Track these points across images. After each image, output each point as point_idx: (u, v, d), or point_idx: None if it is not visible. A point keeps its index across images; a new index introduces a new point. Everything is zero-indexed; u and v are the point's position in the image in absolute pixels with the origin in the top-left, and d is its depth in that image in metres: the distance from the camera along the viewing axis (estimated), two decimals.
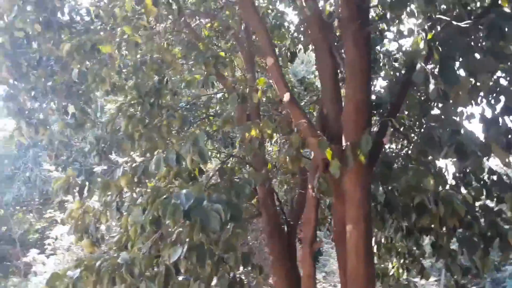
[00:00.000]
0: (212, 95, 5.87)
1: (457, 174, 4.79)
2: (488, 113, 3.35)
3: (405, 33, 3.95)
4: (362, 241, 3.68)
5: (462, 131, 2.81)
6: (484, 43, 2.70)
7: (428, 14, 3.04)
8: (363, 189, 3.78)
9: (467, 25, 2.66)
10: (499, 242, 4.54)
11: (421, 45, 2.74)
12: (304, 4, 4.40)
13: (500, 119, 3.01)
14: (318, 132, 4.03)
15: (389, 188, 4.89)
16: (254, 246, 5.41)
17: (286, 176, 5.43)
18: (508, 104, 2.77)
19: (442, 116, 3.57)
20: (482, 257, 4.72)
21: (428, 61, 3.24)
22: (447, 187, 4.36)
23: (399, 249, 5.73)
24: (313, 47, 4.79)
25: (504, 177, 4.74)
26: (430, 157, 4.49)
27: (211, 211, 2.76)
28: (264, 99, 4.76)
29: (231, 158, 5.34)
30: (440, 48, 2.65)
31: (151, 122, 4.49)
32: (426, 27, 2.77)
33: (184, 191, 2.80)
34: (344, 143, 3.77)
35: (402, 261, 5.90)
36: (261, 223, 4.85)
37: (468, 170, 4.64)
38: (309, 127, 4.01)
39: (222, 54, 4.83)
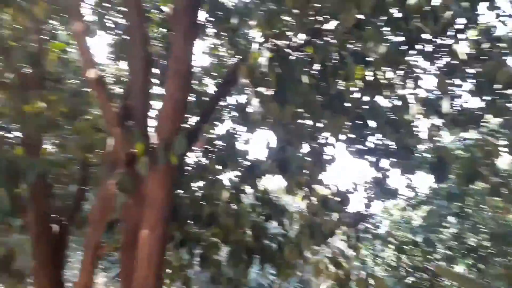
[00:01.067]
0: None
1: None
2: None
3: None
4: (157, 248, 3.41)
5: None
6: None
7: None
8: (167, 191, 3.56)
9: (299, 54, 2.93)
10: (260, 255, 5.11)
11: (261, 60, 2.83)
12: None
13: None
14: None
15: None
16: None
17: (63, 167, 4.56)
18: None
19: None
20: (245, 268, 5.18)
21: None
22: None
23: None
24: (127, 32, 4.31)
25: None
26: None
27: None
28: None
29: None
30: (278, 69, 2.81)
31: None
32: (268, 45, 2.89)
33: None
34: (156, 141, 3.49)
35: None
36: (27, 220, 3.85)
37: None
38: (115, 115, 3.54)
39: None
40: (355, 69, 2.57)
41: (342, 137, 4.40)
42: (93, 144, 3.66)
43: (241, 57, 4.36)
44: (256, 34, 5.64)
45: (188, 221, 5.38)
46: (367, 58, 2.57)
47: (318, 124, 4.94)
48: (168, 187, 3.58)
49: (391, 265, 9.41)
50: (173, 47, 3.51)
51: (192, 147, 4.05)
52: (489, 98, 2.76)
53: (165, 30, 5.43)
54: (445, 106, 2.66)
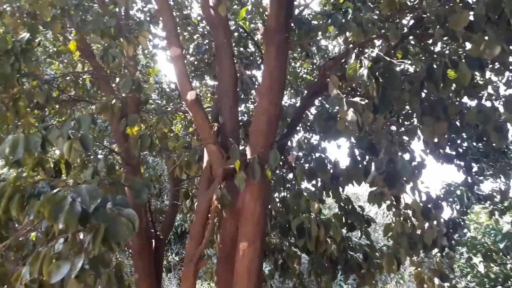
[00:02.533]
0: (81, 74, 4.87)
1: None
2: None
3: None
4: (256, 261, 3.47)
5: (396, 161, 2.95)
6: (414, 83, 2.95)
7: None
8: (263, 205, 3.62)
9: (401, 62, 2.85)
10: (344, 266, 5.01)
11: (361, 71, 2.79)
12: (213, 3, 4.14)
13: None
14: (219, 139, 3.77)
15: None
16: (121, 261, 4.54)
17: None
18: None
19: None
20: (330, 280, 5.10)
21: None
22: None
23: None
24: (215, 52, 4.50)
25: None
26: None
27: (120, 217, 2.13)
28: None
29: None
30: (380, 79, 2.75)
31: (7, 91, 3.38)
32: (366, 55, 2.85)
33: (84, 186, 2.07)
34: (249, 155, 3.57)
35: None
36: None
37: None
38: (211, 133, 3.69)
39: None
40: (469, 74, 2.45)
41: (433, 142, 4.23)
42: (189, 161, 3.81)
43: (323, 67, 4.35)
44: (338, 43, 5.64)
45: (271, 233, 5.45)
46: (482, 63, 2.44)
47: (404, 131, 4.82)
48: (264, 200, 3.65)
49: (478, 275, 8.79)
50: (266, 64, 3.58)
51: (284, 160, 4.10)
52: None
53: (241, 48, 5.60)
54: None
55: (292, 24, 4.31)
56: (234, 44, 6.05)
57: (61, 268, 1.98)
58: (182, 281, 3.65)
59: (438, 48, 4.58)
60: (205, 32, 6.22)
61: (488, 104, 4.12)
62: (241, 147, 4.08)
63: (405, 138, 4.98)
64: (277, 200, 5.33)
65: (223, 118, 4.02)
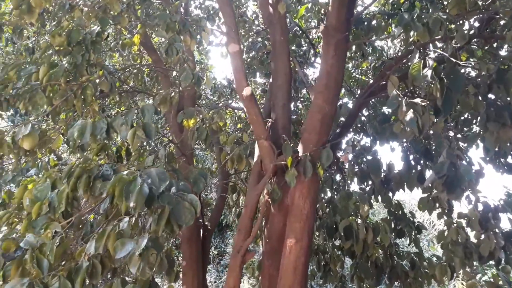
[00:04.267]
0: (142, 67, 5.10)
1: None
2: None
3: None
4: (303, 258, 3.48)
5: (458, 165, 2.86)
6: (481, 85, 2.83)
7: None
8: (312, 203, 3.61)
9: (466, 64, 2.75)
10: (389, 273, 4.87)
11: (425, 71, 2.71)
12: (272, 0, 4.18)
13: None
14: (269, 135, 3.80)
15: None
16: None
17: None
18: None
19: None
20: (374, 285, 4.98)
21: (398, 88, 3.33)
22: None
23: None
24: (271, 50, 4.55)
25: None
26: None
27: (183, 201, 2.21)
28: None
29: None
30: (445, 80, 2.66)
31: (76, 79, 3.60)
32: (431, 55, 2.76)
33: (153, 169, 2.18)
34: (301, 153, 3.58)
35: None
36: None
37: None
38: (265, 129, 3.74)
39: None
40: None
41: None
42: (241, 156, 3.88)
43: (381, 67, 4.27)
44: (395, 44, 5.49)
45: (316, 233, 5.42)
46: None
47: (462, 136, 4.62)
48: (313, 198, 3.64)
49: None
50: (323, 62, 3.57)
51: (336, 160, 4.07)
52: None
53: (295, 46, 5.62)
54: None
55: (356, 24, 4.27)
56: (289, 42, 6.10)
57: (126, 245, 2.10)
58: (229, 272, 3.72)
59: (504, 52, 4.35)
60: (260, 30, 6.30)
61: None
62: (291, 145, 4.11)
63: (463, 144, 4.77)
64: (324, 200, 5.31)
65: (276, 115, 4.05)
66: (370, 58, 6.05)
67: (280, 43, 4.17)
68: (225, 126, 4.46)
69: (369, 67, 5.91)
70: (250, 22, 6.10)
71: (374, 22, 4.49)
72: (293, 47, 6.06)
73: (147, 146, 4.74)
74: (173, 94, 3.88)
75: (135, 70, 5.00)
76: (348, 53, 6.10)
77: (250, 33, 6.56)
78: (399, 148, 4.65)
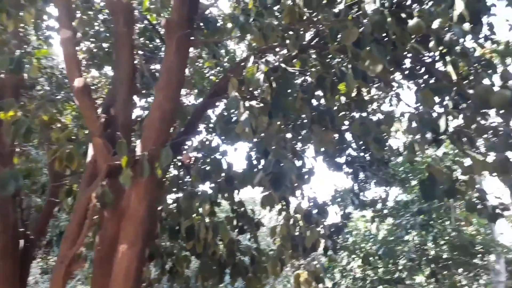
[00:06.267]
0: None
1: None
2: None
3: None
4: (135, 264, 3.26)
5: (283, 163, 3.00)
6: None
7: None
8: (149, 205, 3.43)
9: (295, 70, 2.95)
10: (232, 269, 5.02)
11: (258, 75, 2.81)
12: None
13: None
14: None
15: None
16: None
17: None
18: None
19: None
20: (216, 283, 5.06)
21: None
22: None
23: None
24: (114, 40, 4.21)
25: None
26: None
27: None
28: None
29: None
30: (273, 84, 2.80)
31: None
32: (264, 60, 2.88)
33: None
34: (140, 152, 3.36)
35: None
36: None
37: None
38: (99, 125, 3.40)
39: None
40: (354, 85, 2.61)
41: (322, 150, 4.48)
42: (71, 154, 3.46)
43: (227, 69, 4.33)
44: (245, 48, 5.67)
45: (161, 235, 5.22)
46: (365, 75, 2.62)
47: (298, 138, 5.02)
48: (150, 200, 3.46)
49: (357, 277, 9.58)
50: (165, 58, 3.43)
51: (177, 159, 3.96)
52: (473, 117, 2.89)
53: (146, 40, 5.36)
54: (442, 123, 2.75)
55: (201, 23, 4.22)
56: (138, 35, 5.78)
57: None
58: (51, 284, 3.28)
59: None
60: (108, 18, 5.81)
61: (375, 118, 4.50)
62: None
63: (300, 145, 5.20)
64: (171, 201, 5.15)
65: (115, 111, 3.75)
66: (223, 60, 6.14)
67: (124, 35, 3.86)
68: (59, 122, 3.92)
69: (221, 69, 6.00)
70: (97, 9, 5.58)
71: (221, 23, 4.54)
72: (145, 41, 5.78)
73: None
74: None
75: None
76: (203, 53, 6.11)
77: (98, 21, 6.00)
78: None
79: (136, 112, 5.70)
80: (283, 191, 3.22)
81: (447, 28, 2.65)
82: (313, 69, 3.48)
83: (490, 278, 9.67)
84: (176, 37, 3.41)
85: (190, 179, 5.02)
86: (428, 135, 3.30)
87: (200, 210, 4.35)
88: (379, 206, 8.12)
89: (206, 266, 4.74)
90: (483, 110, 2.77)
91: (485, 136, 3.06)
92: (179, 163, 4.67)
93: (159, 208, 4.46)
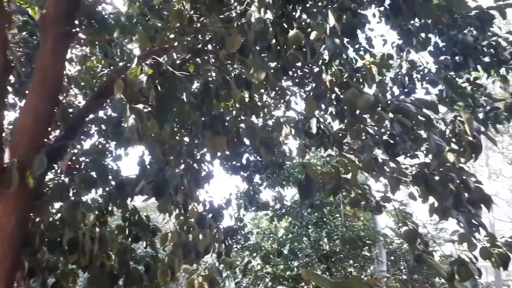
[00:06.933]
0: None
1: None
2: None
3: None
4: (4, 284, 2.91)
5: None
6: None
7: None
8: (19, 218, 3.08)
9: (181, 73, 2.90)
10: (125, 279, 4.80)
11: (141, 77, 2.70)
12: None
13: None
14: None
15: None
16: None
17: None
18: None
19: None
20: None
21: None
22: None
23: None
24: None
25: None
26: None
27: None
28: None
29: None
30: (159, 87, 2.72)
31: None
32: (148, 62, 2.77)
33: None
34: (8, 159, 2.99)
35: None
36: None
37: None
38: None
39: None
40: (238, 93, 2.65)
41: (218, 154, 4.50)
42: None
43: (115, 69, 4.09)
44: (134, 48, 5.42)
45: (43, 248, 4.73)
46: (248, 83, 2.67)
47: (195, 142, 4.98)
48: (21, 213, 3.12)
49: (257, 275, 9.83)
50: (40, 55, 3.10)
51: (54, 166, 3.61)
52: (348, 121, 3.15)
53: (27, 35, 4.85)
54: (313, 127, 2.93)
55: (85, 20, 3.94)
56: (18, 29, 5.22)
57: None
58: None
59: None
60: None
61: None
62: None
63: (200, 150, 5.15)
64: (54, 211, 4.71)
65: None
66: (117, 60, 5.82)
67: None
68: None
69: (111, 68, 5.68)
70: None
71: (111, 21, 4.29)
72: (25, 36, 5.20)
73: None
74: None
75: None
76: (94, 51, 5.70)
77: None
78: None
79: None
80: (167, 199, 3.13)
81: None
82: (207, 75, 3.48)
83: (375, 268, 10.70)
84: (53, 34, 3.12)
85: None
86: (314, 139, 3.52)
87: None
88: (278, 206, 8.47)
89: (96, 279, 4.44)
90: (358, 114, 3.01)
91: (361, 138, 3.36)
92: (61, 170, 4.30)
93: (37, 219, 4.05)
